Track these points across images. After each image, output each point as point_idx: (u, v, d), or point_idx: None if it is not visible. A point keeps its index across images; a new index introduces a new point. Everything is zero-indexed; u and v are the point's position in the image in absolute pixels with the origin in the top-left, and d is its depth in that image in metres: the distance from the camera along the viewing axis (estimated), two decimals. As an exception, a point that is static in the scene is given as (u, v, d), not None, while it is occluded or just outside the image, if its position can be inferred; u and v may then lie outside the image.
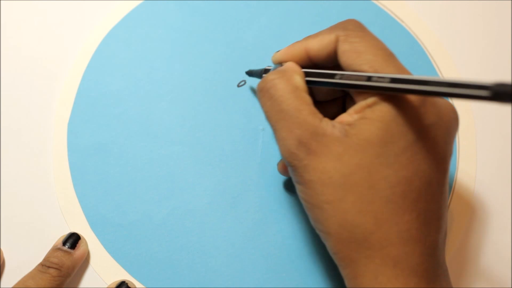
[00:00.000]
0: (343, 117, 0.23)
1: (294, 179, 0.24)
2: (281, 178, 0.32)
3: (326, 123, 0.23)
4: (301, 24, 0.36)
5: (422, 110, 0.22)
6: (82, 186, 0.32)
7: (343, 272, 0.24)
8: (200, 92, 0.34)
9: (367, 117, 0.22)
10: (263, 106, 0.25)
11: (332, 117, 0.25)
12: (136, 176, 0.32)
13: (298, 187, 0.24)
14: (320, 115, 0.23)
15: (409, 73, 0.23)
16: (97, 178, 0.32)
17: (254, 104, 0.34)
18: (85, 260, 0.31)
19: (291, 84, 0.24)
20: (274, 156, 0.33)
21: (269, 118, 0.25)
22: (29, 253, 0.31)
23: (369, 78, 0.22)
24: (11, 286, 0.28)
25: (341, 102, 0.29)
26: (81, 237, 0.31)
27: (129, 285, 0.30)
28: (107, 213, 0.32)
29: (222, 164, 0.33)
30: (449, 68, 0.35)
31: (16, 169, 0.32)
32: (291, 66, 0.26)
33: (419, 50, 0.36)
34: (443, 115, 0.23)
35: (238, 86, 0.34)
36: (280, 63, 0.27)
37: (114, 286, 0.30)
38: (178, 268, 0.31)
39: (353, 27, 0.25)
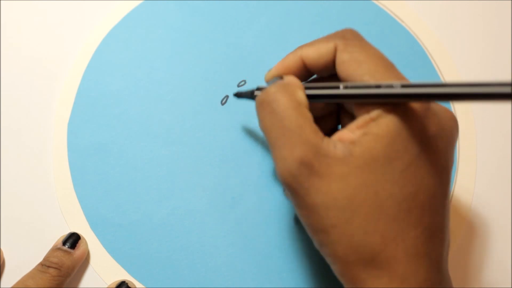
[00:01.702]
0: (344, 134, 0.22)
1: (294, 203, 0.23)
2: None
3: (327, 143, 0.22)
4: (301, 24, 0.36)
5: (426, 122, 0.22)
6: (82, 186, 0.32)
7: None
8: (200, 92, 0.34)
9: (372, 132, 0.21)
10: (262, 119, 0.24)
11: (326, 133, 0.24)
12: (136, 176, 0.32)
13: (299, 212, 0.23)
14: (321, 134, 0.22)
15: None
16: (97, 178, 0.32)
17: (254, 104, 0.34)
18: (85, 260, 0.31)
19: (294, 99, 0.23)
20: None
21: (268, 133, 0.23)
22: (29, 253, 0.31)
23: (377, 86, 0.21)
24: (11, 286, 0.28)
25: (335, 117, 0.28)
26: (81, 237, 0.31)
27: (129, 285, 0.30)
28: (107, 213, 0.32)
29: (222, 164, 0.33)
30: (449, 68, 0.35)
31: (16, 169, 0.32)
32: (293, 80, 0.25)
33: (419, 50, 0.36)
34: (444, 125, 0.23)
35: (238, 86, 0.34)
36: (280, 77, 0.26)
37: (114, 286, 0.30)
38: (178, 268, 0.31)
39: (352, 36, 0.24)
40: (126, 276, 0.31)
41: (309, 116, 0.23)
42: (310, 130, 0.22)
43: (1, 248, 0.31)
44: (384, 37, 0.36)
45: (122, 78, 0.34)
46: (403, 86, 0.20)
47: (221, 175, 0.32)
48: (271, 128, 0.23)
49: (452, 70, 0.35)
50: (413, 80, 0.35)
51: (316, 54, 0.25)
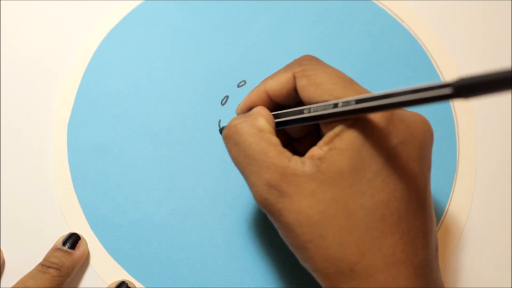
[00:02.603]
0: (314, 151, 0.23)
1: (274, 223, 0.24)
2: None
3: (295, 162, 0.22)
4: (301, 24, 0.36)
5: (390, 129, 0.22)
6: (82, 186, 0.32)
7: None
8: (200, 92, 0.34)
9: (337, 147, 0.22)
10: (229, 153, 0.25)
11: (309, 147, 0.24)
12: (136, 176, 0.32)
13: (279, 231, 0.24)
14: (288, 154, 0.23)
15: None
16: (97, 178, 0.32)
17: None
18: (85, 260, 0.31)
19: (255, 127, 0.24)
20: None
21: (236, 164, 0.24)
22: (29, 253, 0.31)
23: (335, 105, 0.22)
24: (11, 286, 0.28)
25: (316, 135, 0.28)
26: (81, 237, 0.31)
27: (129, 285, 0.30)
28: (107, 213, 0.32)
29: (222, 164, 0.33)
30: (449, 68, 0.35)
31: (16, 169, 0.32)
32: (257, 109, 0.26)
33: (419, 50, 0.36)
34: (414, 130, 0.23)
35: (238, 86, 0.34)
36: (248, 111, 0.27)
37: (114, 286, 0.30)
38: (178, 268, 0.31)
39: (308, 61, 0.25)
40: (126, 276, 0.31)
41: (273, 140, 0.24)
42: (275, 153, 0.23)
43: (1, 248, 0.31)
44: (384, 37, 0.36)
45: (122, 78, 0.34)
46: (358, 101, 0.21)
47: (221, 175, 0.32)
48: (238, 159, 0.24)
49: (452, 70, 0.35)
50: (413, 80, 0.35)
51: (277, 85, 0.25)
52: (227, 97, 0.34)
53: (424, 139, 0.23)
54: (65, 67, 0.34)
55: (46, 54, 0.35)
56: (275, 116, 0.26)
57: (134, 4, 0.36)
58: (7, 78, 0.34)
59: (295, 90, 0.25)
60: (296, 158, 0.23)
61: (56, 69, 0.34)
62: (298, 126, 0.27)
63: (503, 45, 0.36)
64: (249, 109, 0.27)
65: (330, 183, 0.22)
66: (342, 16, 0.36)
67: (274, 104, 0.26)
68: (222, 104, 0.34)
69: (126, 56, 0.34)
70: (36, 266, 0.29)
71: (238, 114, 0.28)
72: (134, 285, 0.30)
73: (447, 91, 0.17)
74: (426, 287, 0.22)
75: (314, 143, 0.28)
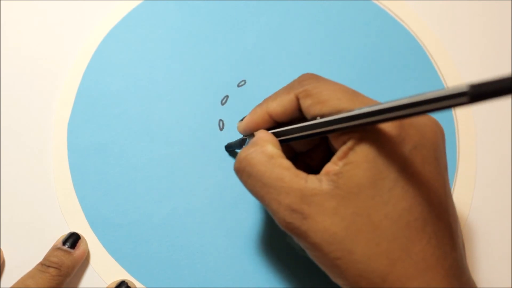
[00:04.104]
0: (329, 167, 0.23)
1: (301, 245, 0.24)
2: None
3: (312, 181, 0.23)
4: (301, 24, 0.36)
5: (402, 136, 0.22)
6: (82, 186, 0.32)
7: None
8: (200, 92, 0.34)
9: (352, 161, 0.22)
10: (244, 185, 0.25)
11: (321, 161, 0.24)
12: (136, 176, 0.32)
13: (307, 252, 0.24)
14: (304, 175, 0.23)
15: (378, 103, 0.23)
16: (97, 178, 0.32)
17: (254, 104, 0.34)
18: (85, 260, 0.31)
19: (265, 154, 0.24)
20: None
21: (254, 195, 0.24)
22: (29, 253, 0.31)
23: (345, 119, 0.22)
24: (11, 286, 0.28)
25: (326, 145, 0.28)
26: (81, 236, 0.31)
27: (129, 285, 0.30)
28: (107, 213, 0.32)
29: (222, 164, 0.33)
30: (449, 68, 0.36)
31: (16, 169, 0.32)
32: (261, 135, 0.26)
33: (419, 50, 0.36)
34: (425, 133, 0.23)
35: (238, 86, 0.34)
36: (251, 134, 0.27)
37: (114, 286, 0.30)
38: (178, 268, 0.31)
39: (308, 81, 0.25)
40: (126, 276, 0.31)
41: (285, 164, 0.24)
42: (290, 177, 0.23)
43: (1, 248, 0.31)
44: (384, 37, 0.36)
45: (122, 78, 0.34)
46: (369, 114, 0.21)
47: (221, 175, 0.32)
48: (255, 189, 0.24)
49: (452, 70, 0.35)
50: (413, 80, 0.35)
51: (280, 107, 0.25)
52: (227, 96, 0.34)
53: (436, 141, 0.23)
54: (65, 67, 0.34)
55: (46, 54, 0.35)
56: (280, 134, 0.25)
57: (134, 4, 0.36)
58: (7, 78, 0.34)
59: (299, 110, 0.25)
60: (312, 177, 0.23)
61: (56, 69, 0.34)
62: (303, 140, 0.27)
63: (503, 45, 0.36)
64: (252, 130, 0.27)
65: (350, 198, 0.22)
66: (342, 16, 0.36)
67: (276, 123, 0.26)
68: (222, 104, 0.34)
69: (126, 56, 0.34)
70: (36, 266, 0.29)
71: (240, 132, 0.28)
72: (134, 285, 0.30)
73: (463, 100, 0.17)
74: (461, 285, 0.22)
75: (323, 155, 0.28)
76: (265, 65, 0.35)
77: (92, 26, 0.35)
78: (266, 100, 0.27)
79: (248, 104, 0.34)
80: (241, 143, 0.30)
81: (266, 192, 0.23)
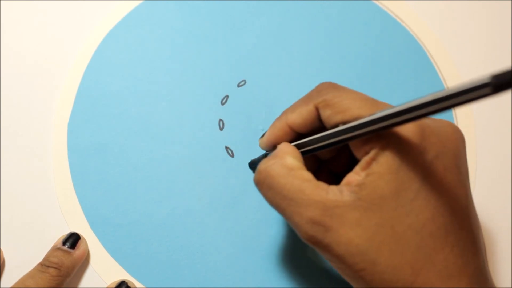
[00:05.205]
0: (350, 177, 0.23)
1: (324, 257, 0.24)
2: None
3: (333, 193, 0.22)
4: (301, 24, 0.36)
5: (423, 145, 0.22)
6: (82, 186, 0.32)
7: None
8: (200, 92, 0.34)
9: (375, 171, 0.22)
10: (265, 197, 0.25)
11: (345, 167, 0.24)
12: (136, 176, 0.32)
13: (331, 263, 0.24)
14: (325, 186, 0.23)
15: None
16: (97, 178, 0.32)
17: (254, 104, 0.34)
18: (85, 260, 0.31)
19: (285, 167, 0.24)
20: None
21: (275, 207, 0.24)
22: (29, 253, 0.31)
23: (366, 124, 0.22)
24: (11, 286, 0.28)
25: (349, 151, 0.28)
26: (81, 237, 0.31)
27: (129, 285, 0.30)
28: (107, 213, 0.32)
29: (222, 164, 0.33)
30: (449, 68, 0.36)
31: (16, 169, 0.32)
32: (282, 147, 0.25)
33: (419, 50, 0.36)
34: (447, 141, 0.23)
35: (238, 86, 0.34)
36: (274, 148, 0.27)
37: (114, 286, 0.30)
38: (178, 268, 0.31)
39: (327, 90, 0.25)
40: (126, 276, 0.31)
41: (306, 176, 0.23)
42: (311, 189, 0.23)
43: (1, 248, 0.31)
44: (384, 37, 0.36)
45: (122, 78, 0.34)
46: (393, 115, 0.21)
47: (221, 175, 0.32)
48: (275, 202, 0.24)
49: (452, 70, 0.35)
50: (413, 80, 0.35)
51: (300, 119, 0.25)
52: (227, 96, 0.34)
53: (457, 148, 0.23)
54: (65, 67, 0.34)
55: (46, 54, 0.35)
56: (303, 145, 0.25)
57: (134, 4, 0.36)
58: (7, 78, 0.34)
59: (319, 120, 0.25)
60: (333, 188, 0.23)
61: (56, 69, 0.34)
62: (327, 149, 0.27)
63: (503, 45, 0.36)
64: (273, 143, 0.27)
65: (373, 209, 0.22)
66: (342, 16, 0.36)
67: (297, 135, 0.26)
68: (222, 104, 0.34)
69: (126, 56, 0.34)
70: (36, 266, 0.29)
71: (262, 148, 0.28)
72: (134, 285, 0.30)
73: (486, 91, 0.17)
74: None
75: (347, 161, 0.27)
76: (265, 65, 0.35)
77: (92, 26, 0.35)
78: (285, 113, 0.26)
79: (248, 104, 0.34)
80: (263, 157, 0.29)
81: (287, 204, 0.23)
